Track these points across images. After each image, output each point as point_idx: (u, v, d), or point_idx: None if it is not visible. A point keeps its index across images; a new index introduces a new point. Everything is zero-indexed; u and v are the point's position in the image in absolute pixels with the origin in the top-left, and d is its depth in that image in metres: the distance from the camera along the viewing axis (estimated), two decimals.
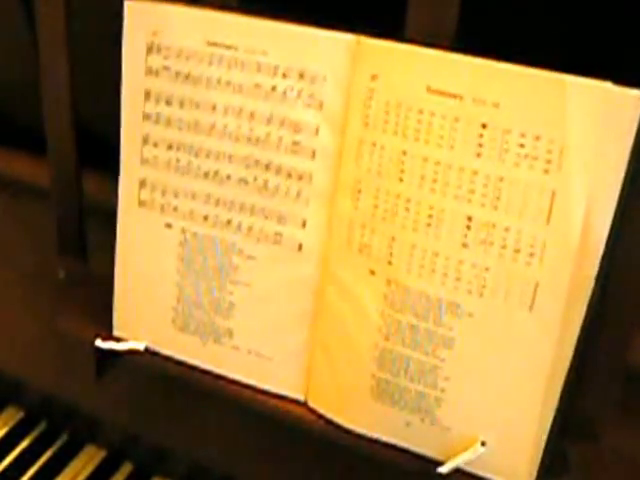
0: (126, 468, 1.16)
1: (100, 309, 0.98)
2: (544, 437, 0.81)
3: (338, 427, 0.88)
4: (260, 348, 0.90)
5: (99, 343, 0.95)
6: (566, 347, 0.77)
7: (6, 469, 1.14)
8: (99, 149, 0.94)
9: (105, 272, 0.97)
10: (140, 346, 0.95)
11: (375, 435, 0.86)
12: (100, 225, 0.97)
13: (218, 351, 0.92)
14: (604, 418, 0.83)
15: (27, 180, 1.10)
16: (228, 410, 0.95)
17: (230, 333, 0.91)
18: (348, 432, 0.88)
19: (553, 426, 0.80)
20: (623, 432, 0.85)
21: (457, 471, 0.84)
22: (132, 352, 0.96)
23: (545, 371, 0.77)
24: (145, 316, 0.94)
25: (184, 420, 1.00)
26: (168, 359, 0.95)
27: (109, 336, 0.96)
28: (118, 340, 0.96)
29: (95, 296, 0.99)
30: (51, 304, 1.05)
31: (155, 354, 0.95)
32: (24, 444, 1.19)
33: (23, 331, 1.10)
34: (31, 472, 1.15)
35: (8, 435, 1.20)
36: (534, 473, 0.82)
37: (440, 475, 0.84)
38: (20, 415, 1.23)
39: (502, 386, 0.79)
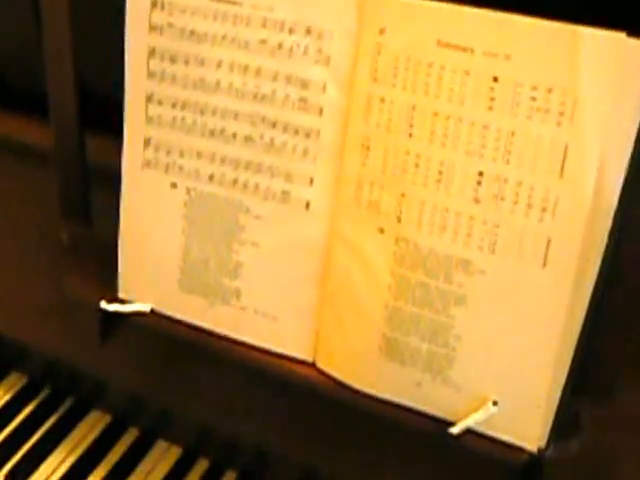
0: (131, 433, 1.14)
1: (105, 272, 0.97)
2: (556, 397, 0.80)
3: (347, 388, 0.87)
4: (267, 309, 0.89)
5: (104, 305, 0.95)
6: (579, 304, 0.76)
7: (10, 435, 1.14)
8: (101, 110, 0.92)
9: (109, 235, 0.95)
10: (146, 308, 0.94)
11: (385, 396, 0.86)
12: (104, 188, 0.96)
13: (225, 312, 0.91)
14: (617, 379, 0.82)
15: (29, 144, 1.08)
16: (235, 372, 0.94)
17: (237, 294, 0.90)
18: (357, 393, 0.87)
19: (566, 386, 0.79)
20: (636, 393, 0.83)
21: (468, 432, 0.83)
22: (137, 314, 0.94)
23: (558, 329, 0.76)
24: (150, 278, 0.93)
25: (190, 383, 0.99)
26: (174, 321, 0.94)
27: (114, 298, 0.95)
28: (123, 302, 0.95)
29: (100, 259, 0.98)
30: (55, 268, 1.04)
31: (161, 316, 0.94)
32: (28, 410, 1.18)
33: (27, 296, 1.09)
34: (35, 438, 1.14)
35: (12, 401, 1.19)
36: (546, 434, 0.81)
37: (451, 436, 0.82)
38: (24, 381, 1.22)
39: (514, 345, 0.78)
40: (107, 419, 1.17)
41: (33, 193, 1.11)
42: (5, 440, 1.13)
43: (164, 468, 1.11)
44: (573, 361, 0.78)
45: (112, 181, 0.94)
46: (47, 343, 1.09)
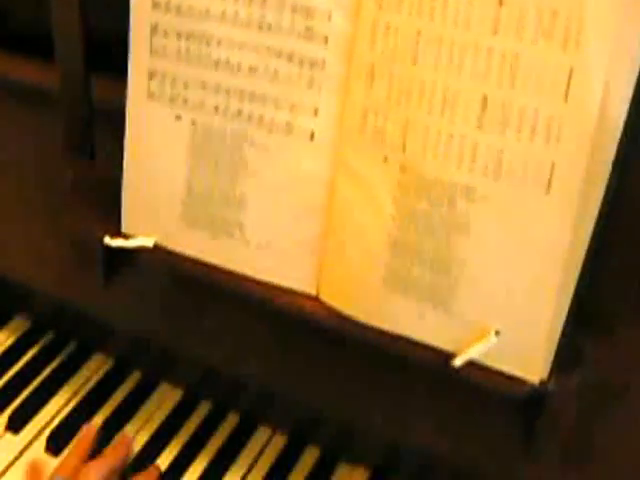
0: (134, 376, 1.15)
1: (108, 209, 0.97)
2: (559, 328, 0.80)
3: (350, 321, 0.87)
4: (271, 242, 0.89)
5: (107, 241, 0.95)
6: (583, 233, 0.76)
7: (13, 378, 1.14)
8: (106, 47, 0.92)
9: (113, 173, 0.95)
10: (149, 242, 0.94)
11: (387, 328, 0.85)
12: (108, 128, 0.96)
13: (228, 246, 0.91)
14: (620, 312, 0.82)
15: (33, 84, 1.08)
16: (238, 308, 0.94)
17: (241, 227, 0.90)
18: (360, 326, 0.87)
19: (568, 317, 0.79)
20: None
21: (471, 364, 0.83)
22: (141, 250, 0.94)
23: (561, 258, 0.76)
24: (154, 212, 0.94)
25: (193, 320, 1.00)
26: (177, 256, 0.94)
27: (118, 233, 0.95)
28: (127, 237, 0.95)
29: (103, 198, 0.99)
30: (59, 208, 1.03)
31: (164, 251, 0.94)
32: (31, 353, 1.18)
33: (30, 238, 1.10)
34: (38, 380, 1.14)
35: (15, 345, 1.19)
36: (548, 365, 0.81)
37: (453, 368, 0.83)
38: (27, 325, 1.22)
39: (517, 273, 0.78)
40: (110, 362, 1.17)
41: (36, 134, 1.10)
42: (8, 383, 1.14)
43: (166, 410, 1.10)
44: (576, 292, 0.78)
45: (117, 122, 0.93)
46: (51, 285, 1.09)
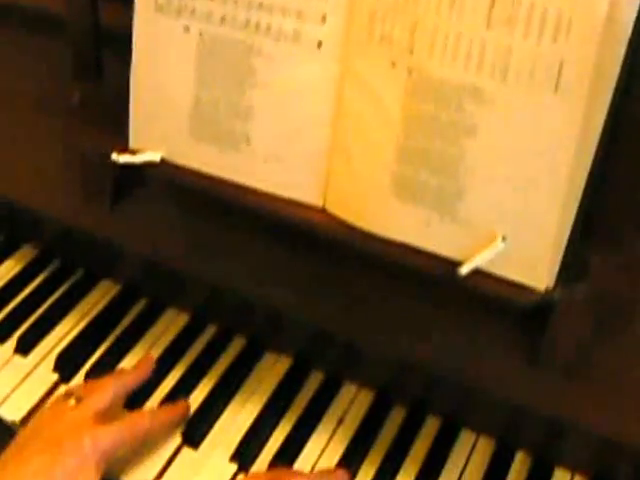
0: (140, 302, 1.15)
1: (116, 129, 0.97)
2: (565, 237, 0.80)
3: (357, 232, 0.87)
4: (278, 153, 0.89)
5: (115, 157, 0.95)
6: (591, 135, 0.75)
7: (20, 304, 1.14)
8: None
9: (120, 92, 0.95)
10: (156, 157, 0.94)
11: (394, 237, 0.85)
12: (115, 47, 0.96)
13: (236, 159, 0.91)
14: (627, 226, 0.82)
15: (41, 8, 1.08)
16: (246, 222, 0.94)
17: (248, 139, 0.90)
18: (367, 236, 0.87)
19: (575, 228, 0.80)
20: None
21: (477, 273, 0.83)
22: (149, 165, 0.94)
23: (569, 160, 0.76)
24: (161, 127, 0.94)
25: (200, 240, 1.00)
26: (185, 170, 0.94)
27: (125, 149, 0.95)
28: (134, 153, 0.95)
29: (111, 116, 0.98)
30: (67, 130, 1.03)
31: (172, 166, 0.94)
32: (38, 280, 1.18)
33: (38, 163, 1.10)
34: (45, 306, 1.15)
35: (22, 272, 1.19)
36: (554, 274, 0.82)
37: (460, 276, 0.83)
38: (35, 253, 1.22)
39: (524, 177, 0.78)
40: (117, 289, 1.17)
41: (44, 58, 1.10)
42: (17, 308, 1.14)
43: (172, 334, 1.11)
44: (583, 199, 0.78)
45: (123, 39, 0.93)
46: (58, 210, 1.09)
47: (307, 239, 0.91)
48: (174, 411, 0.98)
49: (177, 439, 0.99)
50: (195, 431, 0.99)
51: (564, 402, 0.86)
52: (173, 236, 1.02)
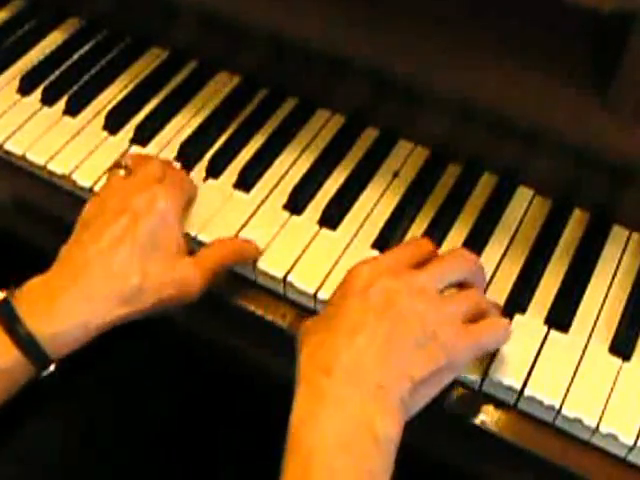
0: (190, 65, 1.14)
1: None
2: None
3: None
4: None
5: None
6: None
7: (66, 69, 1.13)
8: None
9: None
10: None
11: None
12: None
13: None
14: None
15: None
16: None
17: None
18: None
19: None
20: None
21: None
22: None
23: None
24: None
25: None
26: None
27: None
28: None
29: None
30: None
31: None
32: (86, 48, 1.16)
33: None
34: (92, 72, 1.13)
35: (69, 41, 1.17)
36: None
37: None
38: (82, 24, 1.20)
39: None
40: (167, 53, 1.15)
41: None
42: (63, 72, 1.13)
43: (223, 95, 1.09)
44: None
45: None
46: None
47: None
48: None
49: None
50: (247, 178, 0.98)
51: (633, 144, 0.83)
52: None
